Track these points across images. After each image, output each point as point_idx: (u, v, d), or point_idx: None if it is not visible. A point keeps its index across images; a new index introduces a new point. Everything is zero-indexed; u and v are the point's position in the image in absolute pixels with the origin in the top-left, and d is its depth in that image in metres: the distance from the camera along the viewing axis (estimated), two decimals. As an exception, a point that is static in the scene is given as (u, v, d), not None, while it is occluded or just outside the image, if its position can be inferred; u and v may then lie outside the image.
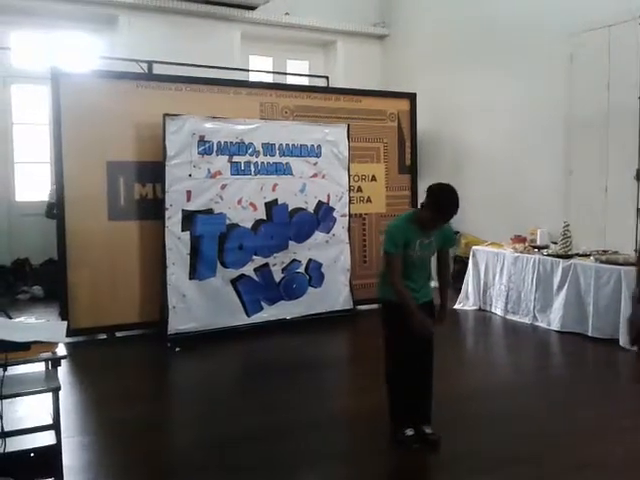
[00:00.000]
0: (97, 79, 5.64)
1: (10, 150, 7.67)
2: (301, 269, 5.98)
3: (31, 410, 3.17)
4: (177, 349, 5.14)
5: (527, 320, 5.96)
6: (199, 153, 5.46)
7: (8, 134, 7.65)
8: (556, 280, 5.68)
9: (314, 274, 6.05)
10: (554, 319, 5.68)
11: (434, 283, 3.50)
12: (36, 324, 2.93)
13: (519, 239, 6.43)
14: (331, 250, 6.15)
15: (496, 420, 3.67)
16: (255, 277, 5.75)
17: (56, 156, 5.39)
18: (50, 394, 2.77)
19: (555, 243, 6.06)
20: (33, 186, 7.77)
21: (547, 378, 4.59)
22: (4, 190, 7.57)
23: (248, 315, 5.71)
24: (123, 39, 7.74)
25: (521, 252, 6.15)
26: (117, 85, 5.61)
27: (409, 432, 3.28)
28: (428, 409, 3.34)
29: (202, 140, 5.48)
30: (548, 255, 5.87)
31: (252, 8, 8.29)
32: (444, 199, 3.12)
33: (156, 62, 6.98)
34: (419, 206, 3.27)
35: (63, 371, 2.82)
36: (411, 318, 3.12)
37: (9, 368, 2.56)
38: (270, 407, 3.93)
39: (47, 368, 2.75)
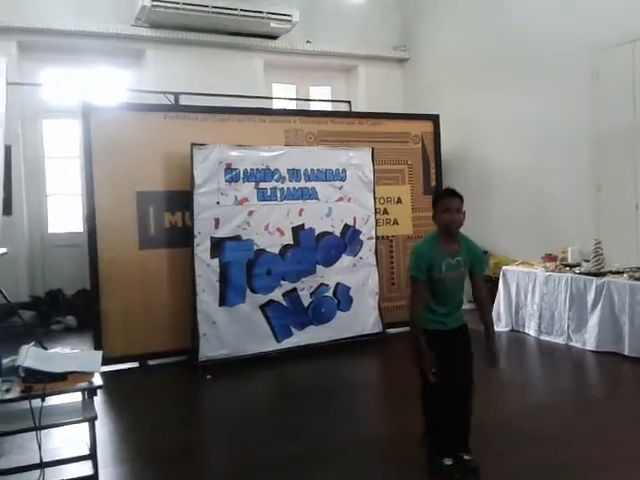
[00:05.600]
0: (126, 112, 5.78)
1: (42, 183, 7.88)
2: (329, 293, 5.97)
3: (67, 440, 3.21)
4: (208, 376, 5.15)
5: (561, 340, 5.83)
6: (226, 181, 5.54)
7: (40, 168, 7.86)
8: (590, 299, 5.57)
9: (342, 298, 6.03)
10: (589, 339, 5.55)
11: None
12: (72, 354, 2.97)
13: (550, 258, 6.33)
14: (359, 273, 6.13)
15: (536, 444, 3.58)
16: (284, 302, 5.75)
17: (87, 188, 5.51)
18: (86, 424, 2.80)
19: (587, 261, 5.95)
20: (65, 218, 7.94)
21: (585, 400, 4.47)
22: (37, 222, 7.76)
23: (278, 341, 5.71)
24: (150, 72, 7.95)
25: (552, 271, 6.06)
26: (145, 117, 5.73)
27: (447, 461, 3.17)
28: (467, 436, 3.24)
29: (229, 168, 5.55)
30: (580, 273, 5.76)
31: (274, 37, 8.46)
32: (436, 193, 3.51)
33: (182, 93, 7.14)
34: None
35: (97, 400, 2.84)
36: (417, 353, 3.08)
37: (46, 398, 2.60)
38: (301, 434, 3.90)
39: (83, 398, 2.78)
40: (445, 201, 3.14)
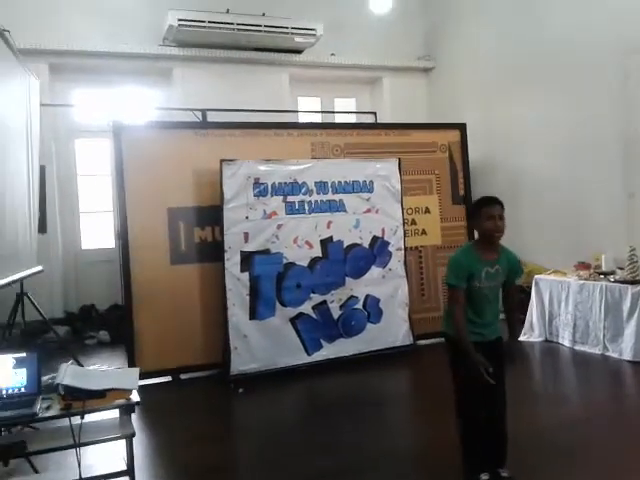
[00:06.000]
0: (155, 130, 5.90)
1: (75, 201, 8.06)
2: (359, 305, 5.96)
3: (103, 455, 3.26)
4: (240, 390, 5.17)
5: (597, 350, 5.71)
6: (255, 195, 5.59)
7: (73, 186, 8.05)
8: (626, 307, 5.45)
9: (372, 310, 6.01)
10: (626, 348, 5.42)
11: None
12: (110, 372, 3.02)
13: (583, 266, 6.22)
14: (388, 285, 6.11)
15: (570, 457, 3.51)
16: (314, 315, 5.76)
17: (120, 205, 5.61)
18: (122, 440, 2.84)
19: (621, 269, 5.83)
20: (98, 235, 8.10)
21: (621, 412, 4.36)
22: (71, 239, 7.94)
23: (308, 354, 5.71)
24: (178, 90, 8.11)
25: (586, 279, 5.95)
26: (174, 134, 5.83)
27: (484, 477, 3.13)
28: (503, 450, 3.19)
29: (257, 182, 5.61)
30: (615, 281, 5.65)
31: (299, 52, 8.54)
32: (478, 199, 3.22)
33: (210, 110, 7.24)
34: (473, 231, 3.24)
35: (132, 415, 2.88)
36: (469, 360, 3.03)
37: (85, 415, 2.65)
38: (334, 447, 3.89)
39: (121, 415, 2.82)
40: (488, 209, 3.11)
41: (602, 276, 5.90)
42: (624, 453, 3.56)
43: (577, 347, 5.94)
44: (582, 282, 5.96)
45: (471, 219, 3.22)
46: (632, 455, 3.53)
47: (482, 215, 3.11)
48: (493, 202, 3.13)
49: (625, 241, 5.90)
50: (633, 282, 5.49)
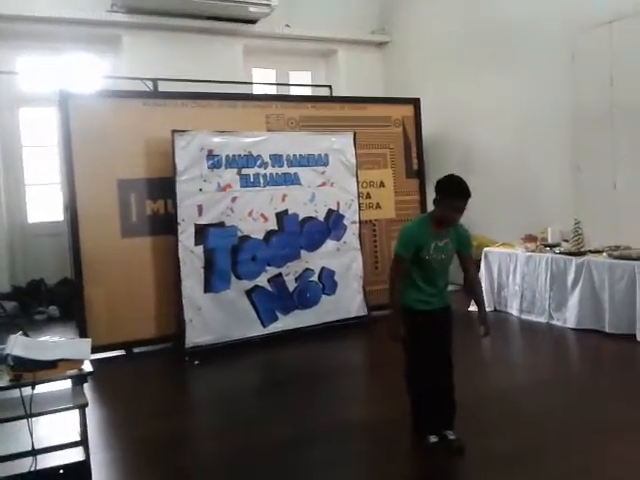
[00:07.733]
0: (104, 99, 5.73)
1: (20, 173, 7.77)
2: (314, 278, 6.01)
3: (57, 427, 3.21)
4: (196, 362, 5.17)
5: (543, 319, 5.95)
6: (208, 167, 5.52)
7: (18, 157, 7.75)
8: (570, 278, 5.68)
9: (327, 282, 6.07)
10: (570, 317, 5.67)
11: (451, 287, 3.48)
12: (61, 342, 2.97)
13: (530, 238, 6.42)
14: (343, 257, 6.17)
15: (518, 422, 3.66)
16: (269, 287, 5.77)
17: (67, 177, 5.45)
18: (75, 411, 2.80)
19: (566, 241, 6.05)
20: (45, 207, 7.85)
21: (566, 377, 4.57)
22: (17, 213, 7.67)
23: (264, 325, 5.74)
24: (127, 58, 7.84)
25: (533, 251, 6.16)
26: (124, 104, 5.67)
27: (433, 439, 3.24)
28: (451, 413, 3.30)
29: (211, 154, 5.53)
30: (560, 253, 5.87)
31: (253, 22, 8.38)
32: (451, 184, 3.14)
33: (161, 79, 7.05)
34: (433, 205, 3.24)
35: (84, 389, 2.84)
36: (390, 320, 3.26)
37: (36, 387, 2.60)
38: (289, 417, 3.95)
39: (73, 385, 2.78)
40: (456, 201, 3.09)
41: (548, 248, 6.12)
42: (569, 415, 3.73)
43: (524, 316, 6.17)
44: (529, 254, 6.16)
45: (436, 196, 3.21)
46: (576, 416, 3.71)
47: (449, 204, 3.10)
48: (463, 196, 3.09)
49: (571, 214, 6.11)
50: (577, 254, 5.71)
